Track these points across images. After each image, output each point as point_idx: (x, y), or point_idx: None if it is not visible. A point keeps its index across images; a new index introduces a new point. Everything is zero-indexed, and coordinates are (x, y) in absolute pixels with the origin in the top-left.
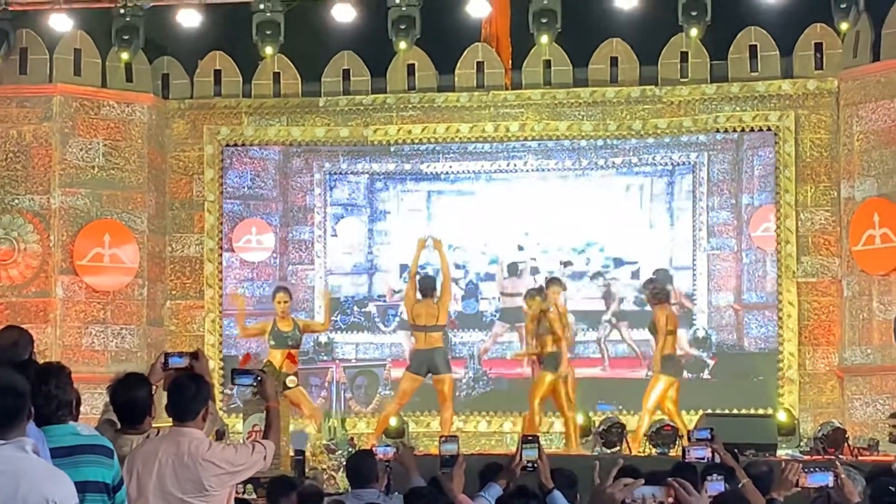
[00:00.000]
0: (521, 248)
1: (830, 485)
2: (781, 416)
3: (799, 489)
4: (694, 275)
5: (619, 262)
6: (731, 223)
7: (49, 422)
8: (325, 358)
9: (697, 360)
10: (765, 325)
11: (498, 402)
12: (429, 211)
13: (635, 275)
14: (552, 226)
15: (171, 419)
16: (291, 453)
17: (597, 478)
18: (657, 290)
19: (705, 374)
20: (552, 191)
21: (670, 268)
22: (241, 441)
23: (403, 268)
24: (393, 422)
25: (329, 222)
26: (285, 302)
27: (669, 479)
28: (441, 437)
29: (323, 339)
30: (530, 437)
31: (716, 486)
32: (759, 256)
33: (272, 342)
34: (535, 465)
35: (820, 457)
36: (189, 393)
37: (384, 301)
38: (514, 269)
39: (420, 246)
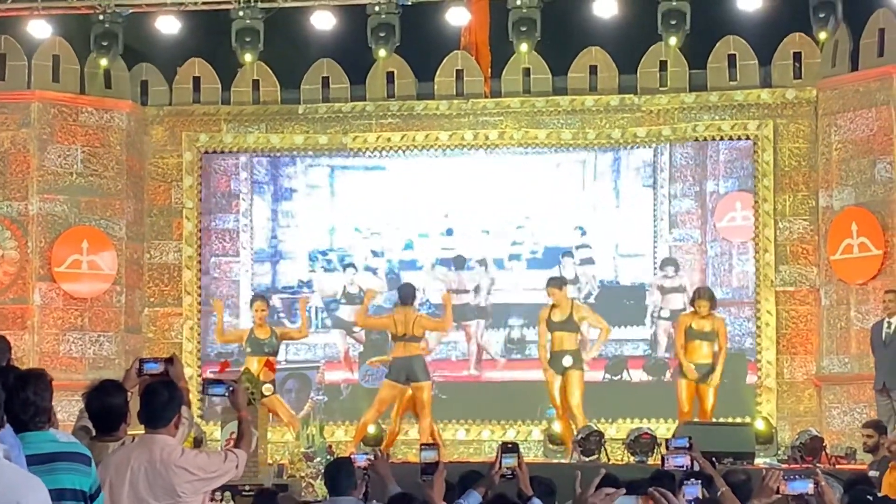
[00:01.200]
0: (449, 233)
1: (810, 492)
2: (759, 425)
3: (779, 496)
4: (655, 267)
5: (556, 249)
6: (694, 212)
7: (27, 428)
8: None
9: (658, 363)
10: (730, 323)
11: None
12: (332, 188)
13: (586, 261)
14: (481, 206)
15: (143, 426)
16: (270, 461)
17: (578, 487)
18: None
19: (667, 377)
20: (480, 166)
21: (617, 255)
22: (219, 448)
23: (312, 255)
24: (371, 429)
25: (253, 209)
26: (263, 310)
27: (650, 488)
28: (421, 444)
29: None
30: (510, 445)
31: (692, 489)
32: (725, 248)
33: (249, 349)
34: (515, 472)
35: (798, 465)
36: (162, 399)
37: (293, 292)
38: (460, 263)
39: (369, 297)
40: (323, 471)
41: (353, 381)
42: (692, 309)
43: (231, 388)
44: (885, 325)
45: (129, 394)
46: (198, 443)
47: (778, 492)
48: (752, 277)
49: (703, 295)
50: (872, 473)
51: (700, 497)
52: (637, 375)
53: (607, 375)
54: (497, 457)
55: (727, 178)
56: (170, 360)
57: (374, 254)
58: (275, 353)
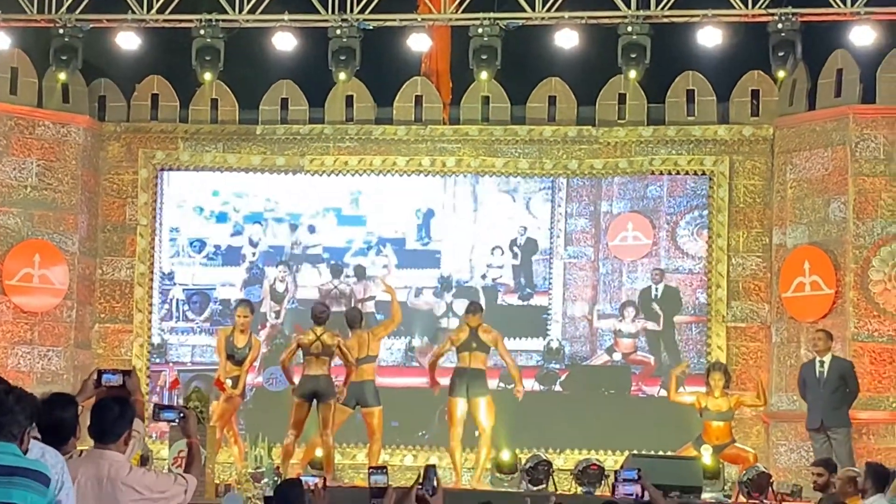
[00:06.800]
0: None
1: None
2: (706, 460)
3: None
4: (549, 284)
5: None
6: (588, 231)
7: None
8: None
9: (549, 373)
10: None
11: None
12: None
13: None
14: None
15: (93, 441)
16: (217, 481)
17: None
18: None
19: (556, 387)
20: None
21: (470, 260)
22: (166, 468)
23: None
24: (318, 452)
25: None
26: (245, 316)
27: None
28: (369, 468)
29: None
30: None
31: (629, 487)
32: (616, 266)
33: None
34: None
35: (744, 502)
36: (112, 415)
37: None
38: (361, 273)
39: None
40: (272, 492)
41: (258, 384)
42: (706, 388)
43: (182, 415)
44: (818, 364)
45: (79, 407)
46: (144, 461)
47: None
48: (638, 294)
49: (717, 368)
50: None
51: (639, 495)
52: (529, 384)
53: (501, 384)
54: (421, 476)
55: (620, 200)
56: (128, 373)
57: (205, 252)
58: (241, 363)
